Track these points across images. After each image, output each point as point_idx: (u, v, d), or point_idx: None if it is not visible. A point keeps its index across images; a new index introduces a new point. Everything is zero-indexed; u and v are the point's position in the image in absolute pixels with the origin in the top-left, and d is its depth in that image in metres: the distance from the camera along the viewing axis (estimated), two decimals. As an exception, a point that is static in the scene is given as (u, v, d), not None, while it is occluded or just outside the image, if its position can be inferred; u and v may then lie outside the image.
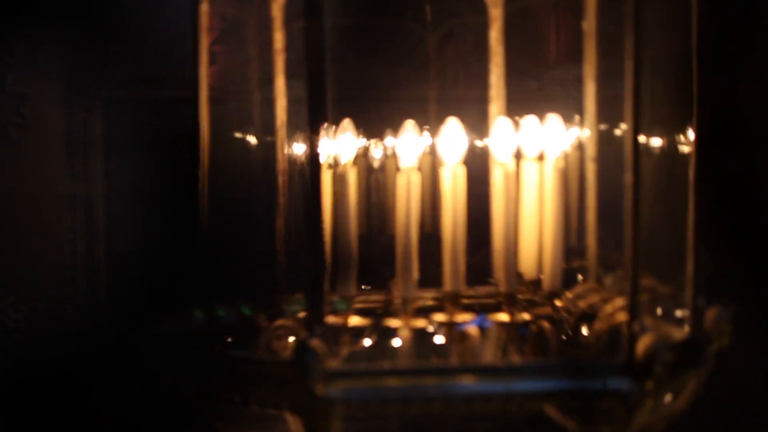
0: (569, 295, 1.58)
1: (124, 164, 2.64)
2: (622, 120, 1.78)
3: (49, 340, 2.60)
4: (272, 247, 1.93)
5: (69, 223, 2.59)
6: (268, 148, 2.06)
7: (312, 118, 1.26)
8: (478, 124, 1.92)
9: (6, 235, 2.56)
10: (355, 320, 1.40)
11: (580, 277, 1.72)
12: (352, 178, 1.39)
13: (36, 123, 2.56)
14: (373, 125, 2.14)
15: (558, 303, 1.50)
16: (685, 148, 1.62)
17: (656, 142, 1.78)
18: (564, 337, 1.46)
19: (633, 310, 1.31)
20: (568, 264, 1.63)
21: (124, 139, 2.64)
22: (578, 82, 2.57)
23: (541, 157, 1.51)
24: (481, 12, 1.86)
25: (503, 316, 1.40)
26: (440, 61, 2.46)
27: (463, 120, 2.31)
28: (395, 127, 2.36)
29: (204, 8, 1.40)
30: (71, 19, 2.55)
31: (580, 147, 1.86)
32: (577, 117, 2.31)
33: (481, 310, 1.53)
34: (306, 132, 1.61)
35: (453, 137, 1.42)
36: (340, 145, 1.42)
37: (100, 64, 2.58)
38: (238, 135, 2.28)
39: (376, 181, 1.90)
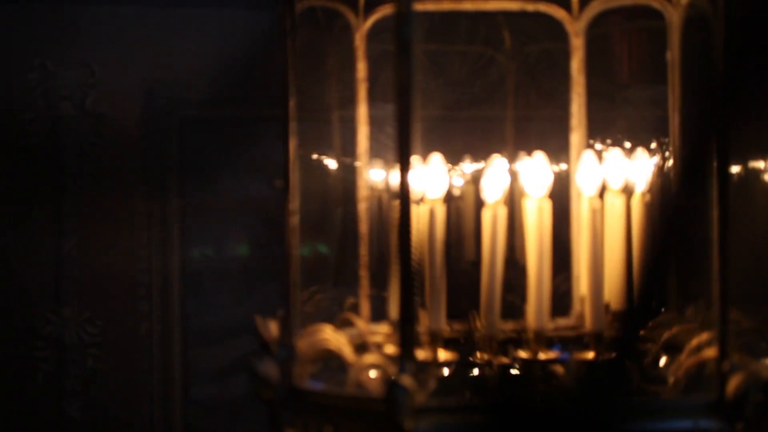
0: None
1: (199, 183, 2.69)
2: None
3: (123, 354, 2.65)
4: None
5: (144, 240, 2.64)
6: (346, 171, 2.07)
7: (401, 153, 1.26)
8: (548, 144, 1.92)
9: (84, 251, 2.62)
10: (441, 354, 1.41)
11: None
12: (440, 213, 1.40)
13: (114, 142, 2.61)
14: (444, 144, 2.15)
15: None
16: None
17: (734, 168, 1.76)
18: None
19: (723, 348, 1.29)
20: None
21: (199, 159, 2.68)
22: (651, 103, 2.56)
23: (625, 190, 1.50)
24: (557, 37, 1.85)
25: (590, 354, 1.40)
26: (511, 82, 2.46)
27: (535, 140, 2.31)
28: (467, 145, 2.38)
29: (296, 45, 1.42)
30: (149, 41, 2.60)
31: (660, 174, 1.85)
32: (651, 140, 2.30)
33: (562, 343, 1.52)
34: (389, 161, 1.62)
35: (539, 171, 1.42)
36: (427, 179, 1.42)
37: (177, 86, 2.63)
38: (314, 156, 2.31)
39: (456, 209, 1.90)
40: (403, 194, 1.25)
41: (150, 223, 2.64)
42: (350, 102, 1.75)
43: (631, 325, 1.16)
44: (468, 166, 2.04)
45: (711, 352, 1.36)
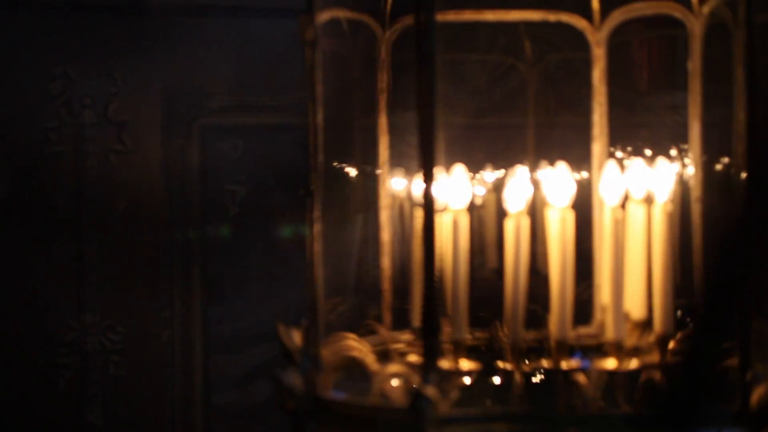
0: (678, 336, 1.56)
1: (221, 190, 2.70)
2: (715, 146, 1.77)
3: (145, 361, 2.66)
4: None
5: (166, 246, 2.66)
6: (367, 178, 2.08)
7: (425, 165, 1.27)
8: (570, 152, 1.92)
9: (105, 258, 2.64)
10: (465, 364, 1.42)
11: (679, 313, 1.70)
12: (464, 223, 1.41)
13: (136, 150, 2.63)
14: (465, 152, 2.15)
15: (670, 345, 1.49)
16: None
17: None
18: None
19: (745, 358, 1.29)
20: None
21: (220, 166, 2.70)
22: (670, 109, 2.55)
23: (647, 200, 1.50)
24: (577, 45, 1.85)
25: (611, 363, 1.40)
26: (532, 90, 2.46)
27: (556, 149, 2.31)
28: (488, 153, 2.38)
29: (319, 56, 1.42)
30: (170, 50, 2.62)
31: (680, 181, 1.85)
32: (669, 147, 2.29)
33: (583, 351, 1.52)
34: (410, 170, 1.63)
35: (562, 181, 1.42)
36: (451, 189, 1.43)
37: (198, 94, 2.64)
38: (335, 164, 2.31)
39: (478, 217, 1.91)
40: (427, 205, 1.26)
41: (171, 230, 2.65)
42: (371, 110, 1.76)
43: (714, 335, 1.15)
44: (489, 175, 2.04)
45: (732, 361, 1.35)
